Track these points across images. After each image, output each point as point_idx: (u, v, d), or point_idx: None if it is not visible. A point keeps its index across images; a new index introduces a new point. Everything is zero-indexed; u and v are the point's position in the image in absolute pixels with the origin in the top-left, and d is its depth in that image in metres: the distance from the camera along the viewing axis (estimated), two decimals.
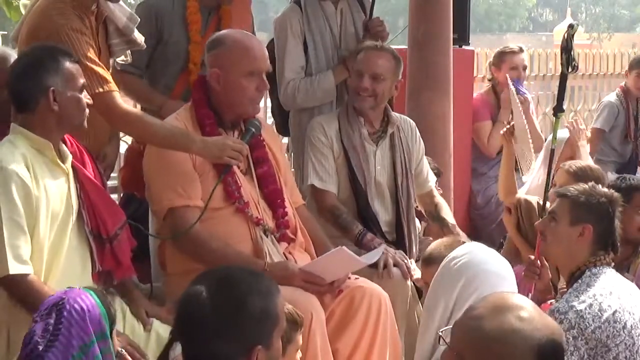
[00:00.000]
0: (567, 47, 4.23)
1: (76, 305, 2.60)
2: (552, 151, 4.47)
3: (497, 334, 2.01)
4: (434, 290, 3.32)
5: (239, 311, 2.26)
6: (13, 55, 3.48)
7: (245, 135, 3.57)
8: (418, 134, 4.46)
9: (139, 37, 3.78)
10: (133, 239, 3.36)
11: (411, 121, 4.48)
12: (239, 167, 3.61)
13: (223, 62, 3.58)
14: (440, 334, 2.20)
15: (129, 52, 3.83)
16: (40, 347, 2.53)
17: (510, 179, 4.84)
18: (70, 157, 3.17)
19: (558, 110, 4.39)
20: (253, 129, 3.58)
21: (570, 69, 4.33)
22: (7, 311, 2.98)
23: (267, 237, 3.57)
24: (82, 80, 3.14)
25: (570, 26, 4.27)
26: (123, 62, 3.91)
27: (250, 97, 3.61)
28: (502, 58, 6.33)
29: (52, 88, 3.05)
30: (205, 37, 4.18)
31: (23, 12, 5.79)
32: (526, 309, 2.05)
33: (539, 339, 1.99)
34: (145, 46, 3.89)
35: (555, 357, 2.03)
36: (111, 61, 3.77)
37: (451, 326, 2.14)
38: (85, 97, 3.16)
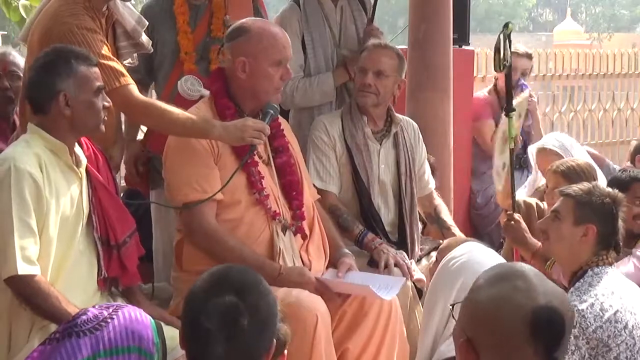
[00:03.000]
0: (498, 47, 4.17)
1: (132, 313, 2.66)
2: (512, 150, 4.37)
3: (488, 303, 1.92)
4: (433, 291, 3.32)
5: (271, 316, 2.27)
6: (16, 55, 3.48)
7: (265, 117, 3.54)
8: (421, 136, 4.46)
9: (147, 41, 3.79)
10: (141, 246, 3.35)
11: (414, 123, 4.48)
12: (260, 157, 3.60)
13: (251, 50, 3.56)
14: (449, 307, 2.13)
15: (135, 55, 3.82)
16: (83, 328, 2.60)
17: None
18: (85, 162, 3.16)
19: (509, 110, 4.31)
20: (272, 111, 3.57)
21: (501, 69, 4.26)
22: (9, 310, 2.98)
23: (284, 234, 3.56)
24: (97, 84, 3.11)
25: (505, 25, 4.21)
26: (130, 65, 3.91)
27: (276, 85, 3.61)
28: None
29: (63, 92, 3.04)
30: (197, 28, 4.19)
31: (22, 12, 5.81)
32: (526, 277, 1.94)
33: (532, 307, 1.89)
34: (152, 50, 3.90)
35: (551, 326, 1.90)
36: None
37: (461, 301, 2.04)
38: (104, 100, 3.13)
